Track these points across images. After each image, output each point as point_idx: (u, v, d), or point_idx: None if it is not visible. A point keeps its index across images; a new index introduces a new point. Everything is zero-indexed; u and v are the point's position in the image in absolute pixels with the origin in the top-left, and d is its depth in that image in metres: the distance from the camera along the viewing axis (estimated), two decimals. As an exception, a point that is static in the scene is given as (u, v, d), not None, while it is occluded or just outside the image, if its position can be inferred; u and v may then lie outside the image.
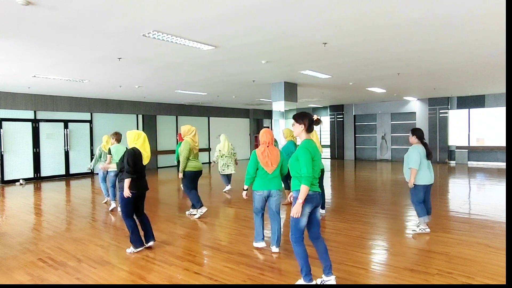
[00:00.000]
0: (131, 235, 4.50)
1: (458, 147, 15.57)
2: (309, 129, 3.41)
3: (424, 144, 5.13)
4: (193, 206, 6.43)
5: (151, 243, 4.64)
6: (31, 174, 11.95)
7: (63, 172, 12.70)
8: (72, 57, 6.74)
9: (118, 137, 6.85)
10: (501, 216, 5.98)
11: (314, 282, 3.35)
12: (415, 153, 5.00)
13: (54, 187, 10.70)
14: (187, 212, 6.60)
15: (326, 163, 17.03)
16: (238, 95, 13.69)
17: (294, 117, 3.48)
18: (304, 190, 3.18)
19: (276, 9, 4.34)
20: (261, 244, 4.61)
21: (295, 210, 3.21)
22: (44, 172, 12.24)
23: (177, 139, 9.88)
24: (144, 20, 4.69)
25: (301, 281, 3.36)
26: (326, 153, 19.77)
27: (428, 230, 5.14)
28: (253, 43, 5.94)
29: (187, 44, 5.80)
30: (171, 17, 4.58)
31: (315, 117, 3.47)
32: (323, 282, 3.39)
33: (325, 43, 5.98)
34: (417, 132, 5.17)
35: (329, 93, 13.32)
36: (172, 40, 5.55)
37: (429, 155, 5.07)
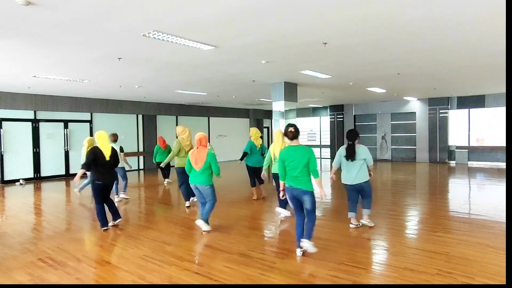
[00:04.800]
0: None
1: (458, 147, 15.56)
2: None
3: (349, 145, 5.44)
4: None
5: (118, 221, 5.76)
6: (31, 174, 11.94)
7: (63, 172, 12.70)
8: (72, 57, 6.74)
9: (114, 138, 8.08)
10: (501, 216, 5.98)
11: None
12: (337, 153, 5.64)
13: (54, 187, 10.70)
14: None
15: (327, 163, 17.01)
16: (238, 95, 13.69)
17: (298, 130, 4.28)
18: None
19: (276, 9, 4.34)
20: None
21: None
22: (44, 172, 12.24)
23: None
24: (144, 20, 4.69)
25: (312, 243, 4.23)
26: (326, 153, 19.77)
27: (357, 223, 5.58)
28: (253, 43, 5.94)
29: (187, 44, 5.80)
30: (171, 17, 4.58)
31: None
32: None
33: (325, 43, 5.98)
34: (347, 134, 5.52)
35: (329, 93, 13.31)
36: (172, 40, 5.55)
37: (347, 156, 5.41)
